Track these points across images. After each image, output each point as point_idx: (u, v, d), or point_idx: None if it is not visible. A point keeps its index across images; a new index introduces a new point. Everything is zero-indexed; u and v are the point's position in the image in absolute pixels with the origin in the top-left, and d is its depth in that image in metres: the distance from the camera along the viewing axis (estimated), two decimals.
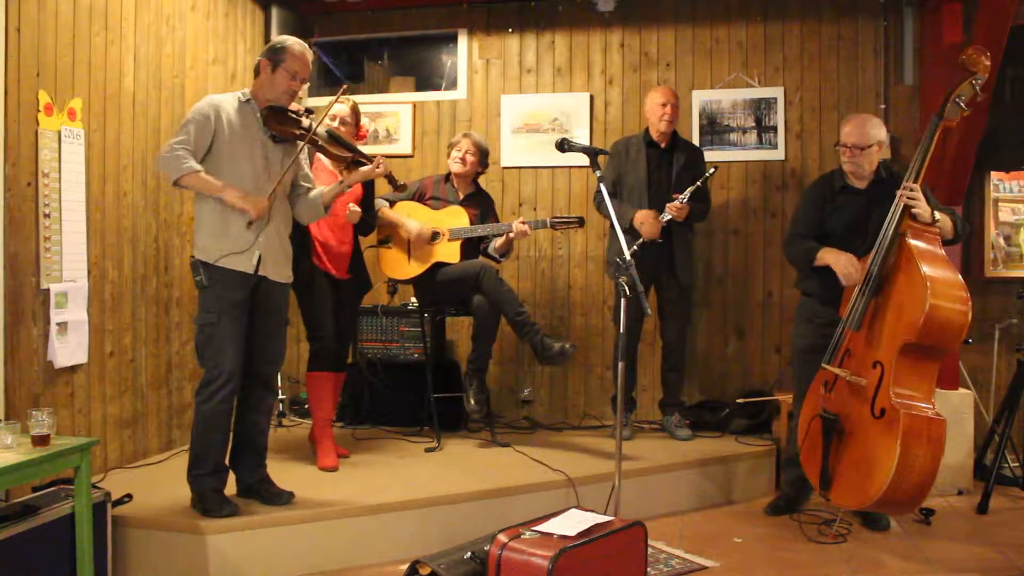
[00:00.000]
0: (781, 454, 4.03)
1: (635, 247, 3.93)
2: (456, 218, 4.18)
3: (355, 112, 3.89)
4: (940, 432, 3.12)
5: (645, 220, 4.08)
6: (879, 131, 3.50)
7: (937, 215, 3.26)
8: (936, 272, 3.12)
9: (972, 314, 3.14)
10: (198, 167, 2.98)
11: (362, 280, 4.00)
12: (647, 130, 4.32)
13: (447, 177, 4.35)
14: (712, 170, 4.15)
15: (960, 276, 3.19)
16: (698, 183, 4.08)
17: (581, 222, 4.20)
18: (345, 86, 3.50)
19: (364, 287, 4.04)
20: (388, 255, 4.23)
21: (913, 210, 3.21)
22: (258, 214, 3.03)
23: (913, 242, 3.20)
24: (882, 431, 3.13)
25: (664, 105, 4.20)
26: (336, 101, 3.56)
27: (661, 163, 4.27)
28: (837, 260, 3.42)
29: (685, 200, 4.07)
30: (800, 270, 3.73)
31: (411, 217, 4.18)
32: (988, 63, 3.21)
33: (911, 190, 3.21)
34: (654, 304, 4.41)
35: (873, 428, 3.17)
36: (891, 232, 3.23)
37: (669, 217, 4.07)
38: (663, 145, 4.28)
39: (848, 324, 3.33)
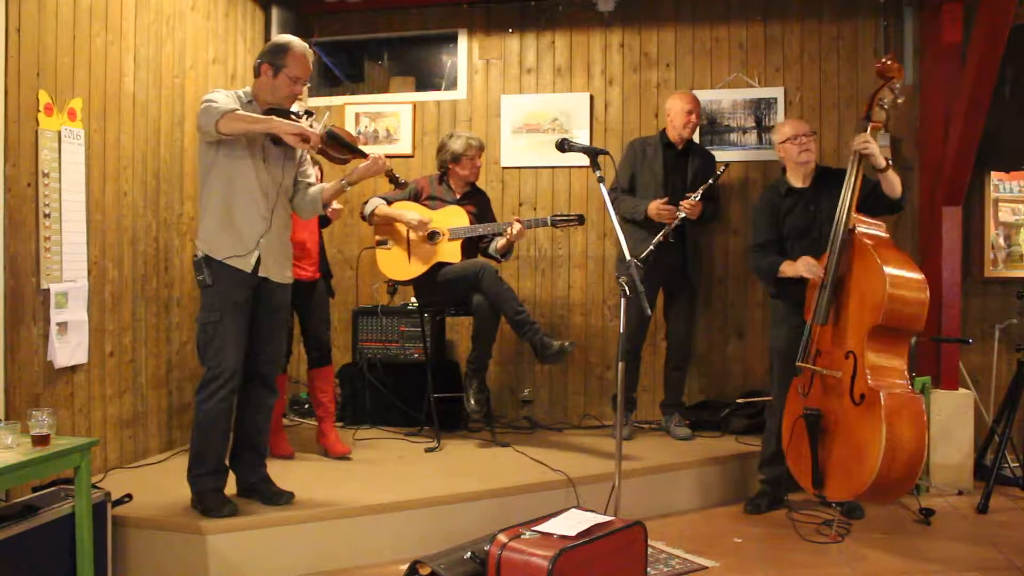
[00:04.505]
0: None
1: (652, 245, 3.97)
2: (455, 217, 4.18)
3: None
4: (919, 408, 3.26)
5: (660, 208, 4.14)
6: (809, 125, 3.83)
7: (890, 163, 3.49)
8: (889, 257, 3.34)
9: (930, 294, 3.34)
10: (234, 107, 2.94)
11: (328, 275, 4.11)
12: (663, 131, 4.39)
13: (442, 177, 4.34)
14: (723, 168, 4.22)
15: (911, 259, 3.42)
16: (710, 181, 4.18)
17: (581, 220, 4.21)
18: (328, 112, 3.51)
19: (329, 277, 4.14)
20: (387, 256, 4.22)
21: (865, 152, 3.40)
22: (316, 141, 3.05)
23: (863, 233, 3.43)
24: (865, 416, 3.24)
25: (690, 113, 4.29)
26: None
27: (678, 164, 4.34)
28: (795, 267, 3.60)
29: (698, 198, 4.14)
30: (766, 282, 3.87)
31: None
32: (900, 68, 3.50)
33: (864, 140, 3.42)
34: (660, 303, 4.44)
35: (855, 416, 3.29)
36: (848, 204, 3.42)
37: (683, 215, 4.11)
38: (680, 147, 4.33)
39: (815, 320, 3.49)
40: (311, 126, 3.18)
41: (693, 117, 4.29)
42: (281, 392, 3.92)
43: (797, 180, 3.75)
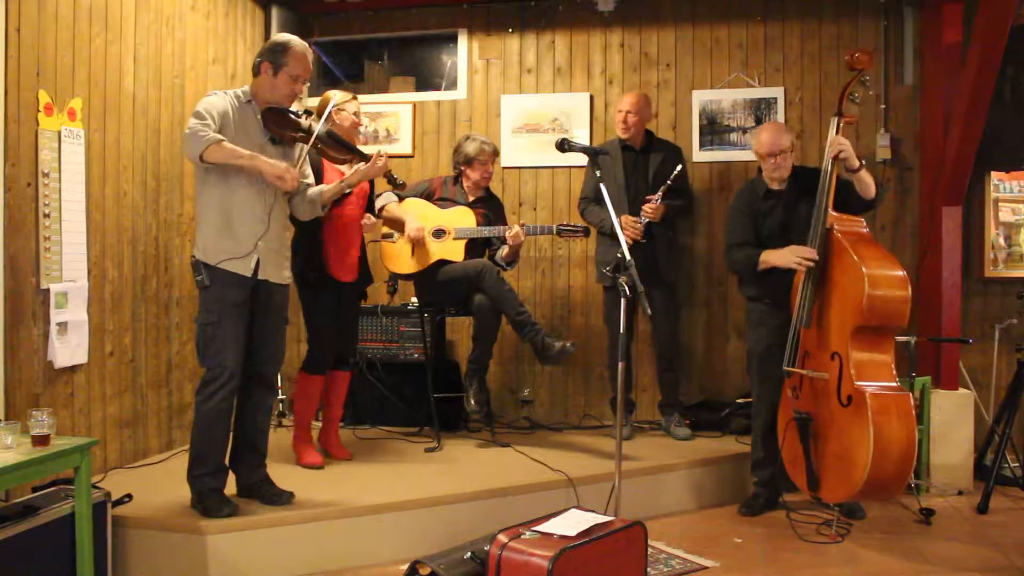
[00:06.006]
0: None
1: (619, 255, 3.93)
2: (463, 218, 4.18)
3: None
4: (907, 405, 3.26)
5: (625, 224, 4.10)
6: (790, 135, 3.74)
7: (863, 164, 3.51)
8: (868, 254, 3.33)
9: (911, 290, 3.33)
10: (220, 136, 2.93)
11: (366, 279, 4.00)
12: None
13: (456, 179, 4.34)
14: (679, 168, 4.16)
15: (891, 255, 3.41)
16: (668, 182, 4.11)
17: (586, 232, 4.21)
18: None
19: (367, 284, 4.04)
20: (392, 249, 4.22)
21: (841, 155, 3.42)
22: (294, 183, 3.03)
23: (840, 232, 3.42)
24: (853, 417, 3.25)
25: (621, 111, 4.26)
26: (327, 111, 3.59)
27: (637, 165, 4.31)
28: (781, 256, 3.57)
29: (659, 200, 4.10)
30: (745, 277, 3.83)
31: (420, 215, 4.16)
32: (869, 59, 3.54)
33: (840, 143, 3.43)
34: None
35: (844, 417, 3.29)
36: (824, 205, 3.43)
37: (646, 220, 4.10)
38: (637, 147, 4.30)
39: (799, 322, 3.49)
40: (311, 126, 3.18)
41: (630, 118, 4.23)
42: (316, 394, 3.85)
43: (774, 182, 3.75)
